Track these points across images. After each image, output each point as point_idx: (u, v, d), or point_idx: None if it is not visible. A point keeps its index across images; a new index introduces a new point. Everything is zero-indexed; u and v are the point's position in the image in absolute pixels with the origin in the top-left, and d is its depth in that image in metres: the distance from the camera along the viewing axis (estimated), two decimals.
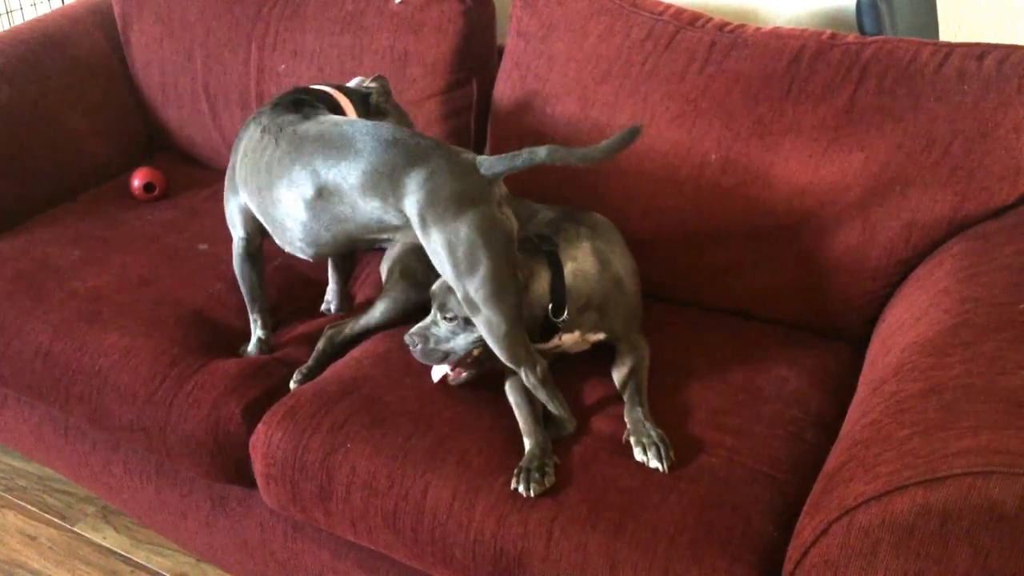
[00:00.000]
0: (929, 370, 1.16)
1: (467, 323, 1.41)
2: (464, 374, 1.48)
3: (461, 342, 1.44)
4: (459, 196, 1.33)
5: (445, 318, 1.44)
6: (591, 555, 1.22)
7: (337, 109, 1.61)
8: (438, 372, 1.49)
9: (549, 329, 1.46)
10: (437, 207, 1.33)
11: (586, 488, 1.29)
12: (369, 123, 1.45)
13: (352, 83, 1.74)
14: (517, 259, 1.38)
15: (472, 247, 1.32)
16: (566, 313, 1.43)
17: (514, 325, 1.36)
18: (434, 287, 1.46)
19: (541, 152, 1.31)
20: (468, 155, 1.38)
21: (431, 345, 1.45)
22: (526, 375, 1.38)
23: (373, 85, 1.71)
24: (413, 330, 1.47)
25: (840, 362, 1.57)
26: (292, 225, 1.49)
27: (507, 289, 1.34)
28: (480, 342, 1.41)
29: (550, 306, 1.43)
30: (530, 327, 1.42)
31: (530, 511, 1.27)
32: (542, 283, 1.42)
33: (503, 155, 1.35)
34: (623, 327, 1.52)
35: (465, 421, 1.42)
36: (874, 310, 1.59)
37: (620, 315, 1.51)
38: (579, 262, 1.46)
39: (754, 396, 1.47)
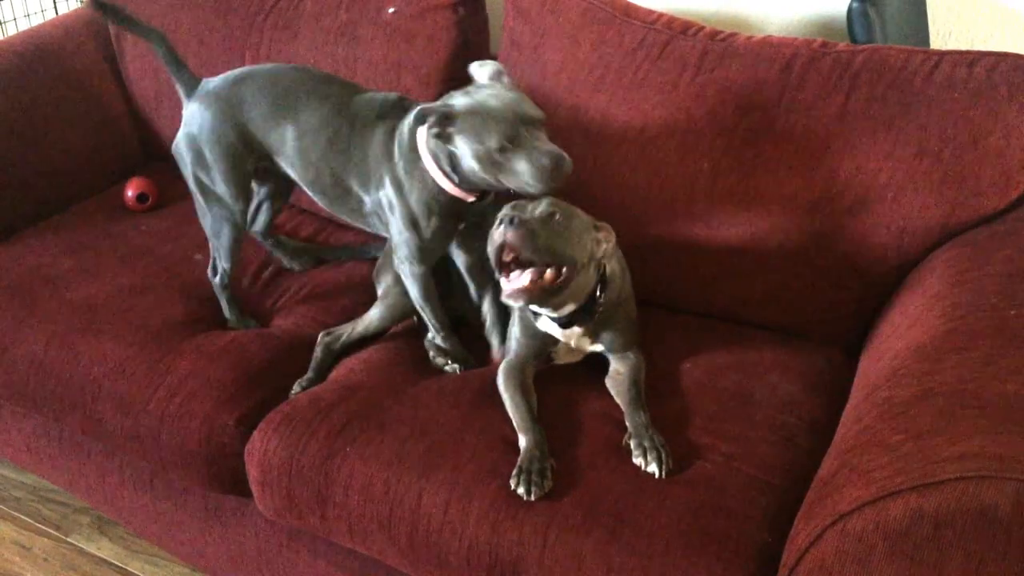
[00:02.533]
0: (922, 375, 1.16)
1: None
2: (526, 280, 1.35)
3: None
4: None
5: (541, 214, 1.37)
6: (586, 561, 1.22)
7: None
8: (512, 284, 1.35)
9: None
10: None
11: (581, 493, 1.29)
12: None
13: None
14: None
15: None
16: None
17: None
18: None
19: None
20: None
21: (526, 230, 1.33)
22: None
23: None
24: (522, 208, 1.38)
25: (833, 367, 1.57)
26: None
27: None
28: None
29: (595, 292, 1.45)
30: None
31: (525, 517, 1.27)
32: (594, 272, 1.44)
33: None
34: (622, 341, 1.52)
35: (459, 426, 1.43)
36: (867, 316, 1.60)
37: (621, 329, 1.52)
38: (613, 265, 1.49)
39: (747, 401, 1.47)
